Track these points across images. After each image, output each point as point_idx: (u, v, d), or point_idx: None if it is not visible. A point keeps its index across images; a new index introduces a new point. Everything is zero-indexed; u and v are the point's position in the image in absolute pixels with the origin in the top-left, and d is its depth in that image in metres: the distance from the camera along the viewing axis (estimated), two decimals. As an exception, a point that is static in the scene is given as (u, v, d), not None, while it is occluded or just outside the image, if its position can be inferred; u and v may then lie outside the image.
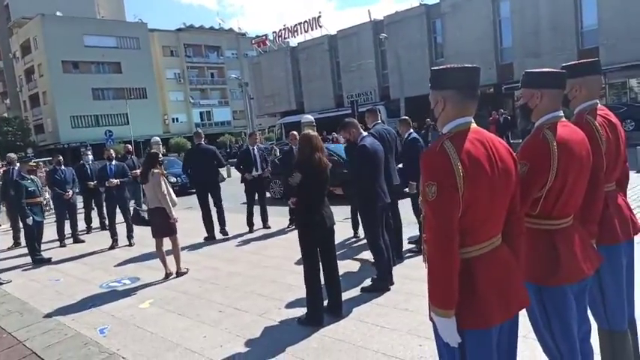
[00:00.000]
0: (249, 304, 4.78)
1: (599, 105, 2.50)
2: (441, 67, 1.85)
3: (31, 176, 7.89)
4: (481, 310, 1.75)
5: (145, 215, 6.30)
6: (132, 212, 7.52)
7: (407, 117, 6.87)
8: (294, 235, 7.57)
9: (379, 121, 5.96)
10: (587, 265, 2.16)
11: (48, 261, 7.57)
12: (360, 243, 6.68)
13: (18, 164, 9.11)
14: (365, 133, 5.11)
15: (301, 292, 4.90)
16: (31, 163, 8.25)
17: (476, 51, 27.17)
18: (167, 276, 5.98)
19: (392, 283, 4.80)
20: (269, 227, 8.45)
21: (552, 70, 2.21)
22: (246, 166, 8.50)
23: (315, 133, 4.39)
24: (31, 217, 7.47)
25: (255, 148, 8.68)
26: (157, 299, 5.22)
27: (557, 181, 2.07)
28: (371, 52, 33.65)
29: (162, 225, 5.97)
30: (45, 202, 8.40)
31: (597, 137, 2.31)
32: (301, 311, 4.40)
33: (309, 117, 24.79)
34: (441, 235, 1.70)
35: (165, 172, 6.36)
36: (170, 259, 6.11)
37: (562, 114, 2.19)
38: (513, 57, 26.48)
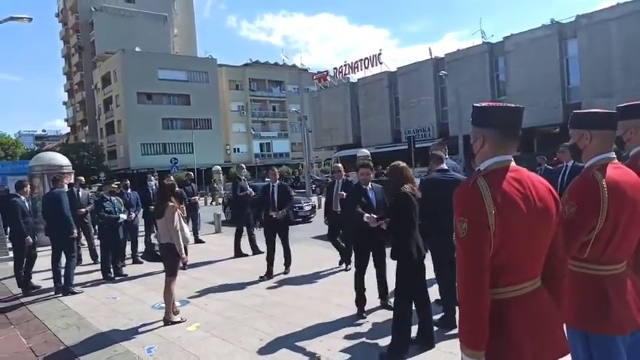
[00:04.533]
0: (291, 334, 4.78)
1: (657, 148, 2.38)
2: (483, 104, 1.85)
3: (112, 197, 8.40)
4: (512, 353, 1.67)
5: (158, 251, 5.85)
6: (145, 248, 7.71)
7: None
8: (340, 269, 7.55)
9: (447, 157, 5.92)
10: (641, 316, 2.02)
11: (112, 279, 7.98)
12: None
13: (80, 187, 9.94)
14: (447, 157, 5.25)
15: (344, 326, 4.88)
16: (112, 186, 8.82)
17: (540, 89, 26.47)
18: (165, 322, 5.39)
19: None
20: (287, 272, 7.52)
21: (602, 110, 2.15)
22: (266, 204, 7.69)
23: (405, 164, 4.44)
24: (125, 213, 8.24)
25: (275, 185, 7.76)
26: (204, 323, 5.33)
27: (608, 224, 1.97)
28: (430, 88, 33.60)
29: (167, 262, 5.58)
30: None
31: (654, 181, 2.19)
32: (343, 344, 4.36)
33: (365, 151, 25.05)
34: (471, 272, 1.66)
35: (182, 205, 5.88)
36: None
37: (614, 155, 2.10)
38: (581, 97, 25.47)
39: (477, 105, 1.85)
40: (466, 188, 1.73)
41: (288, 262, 7.64)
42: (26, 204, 7.66)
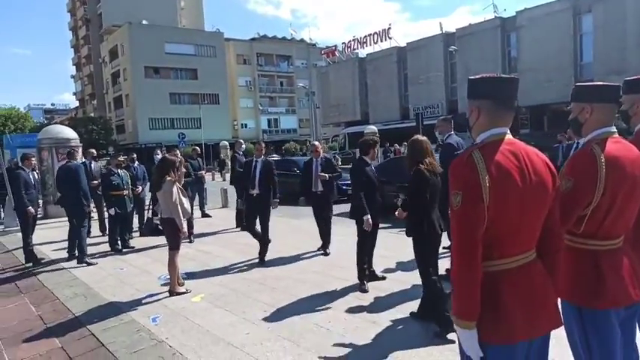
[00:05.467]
0: (293, 306, 4.86)
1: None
2: (477, 76, 1.83)
3: (119, 170, 8.48)
4: (504, 325, 1.69)
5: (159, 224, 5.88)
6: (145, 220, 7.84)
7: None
8: (342, 244, 7.59)
9: (452, 132, 5.85)
10: (635, 290, 2.03)
11: (120, 251, 8.10)
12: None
13: (92, 160, 10.01)
14: (452, 132, 5.24)
15: (347, 300, 4.94)
16: (119, 159, 8.89)
17: (553, 66, 26.00)
18: (170, 293, 5.46)
19: None
20: (262, 262, 6.79)
21: (604, 83, 2.11)
22: (246, 181, 7.13)
23: (425, 138, 4.33)
24: (113, 209, 8.08)
25: (259, 160, 7.13)
26: (208, 294, 5.43)
27: (605, 199, 1.96)
28: (440, 64, 33.11)
29: (168, 236, 5.64)
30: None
31: (656, 157, 2.16)
32: (344, 316, 4.42)
33: (373, 127, 24.94)
34: (464, 244, 1.67)
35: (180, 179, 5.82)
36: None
37: (614, 130, 2.07)
38: (594, 74, 24.98)
39: (472, 77, 1.84)
40: (461, 161, 1.72)
41: (265, 248, 6.90)
42: (30, 176, 7.74)
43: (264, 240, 6.90)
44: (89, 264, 7.19)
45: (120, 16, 56.65)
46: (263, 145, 7.53)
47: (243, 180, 7.34)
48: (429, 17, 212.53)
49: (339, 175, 7.65)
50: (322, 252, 7.24)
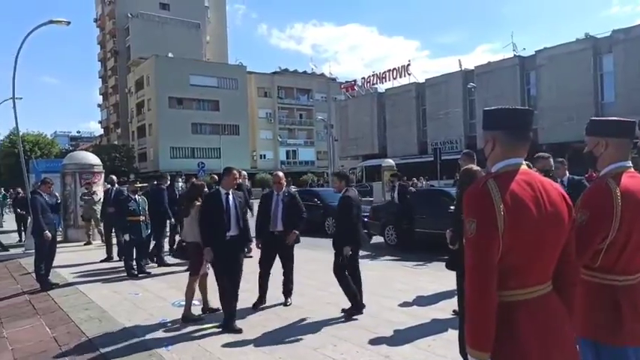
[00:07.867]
0: (306, 336, 4.81)
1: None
2: (492, 108, 1.87)
3: (135, 196, 8.62)
4: (519, 357, 1.67)
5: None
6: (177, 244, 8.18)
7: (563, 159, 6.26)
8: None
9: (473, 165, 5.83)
10: (655, 328, 1.98)
11: (136, 277, 8.15)
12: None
13: (116, 185, 10.15)
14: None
15: (361, 331, 4.88)
16: (136, 185, 9.05)
17: (573, 105, 25.94)
18: (184, 319, 5.39)
19: None
20: (239, 331, 5.02)
21: (619, 118, 2.13)
22: (217, 221, 5.17)
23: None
24: (127, 234, 8.18)
25: (230, 192, 5.34)
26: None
27: (621, 233, 1.95)
28: (459, 101, 33.34)
29: (191, 261, 5.70)
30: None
31: (674, 192, 2.15)
32: (356, 350, 4.36)
33: (390, 161, 25.03)
34: (478, 272, 1.67)
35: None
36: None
37: (630, 164, 2.08)
38: (615, 113, 24.72)
39: (487, 109, 1.88)
40: (476, 189, 1.74)
41: (225, 303, 5.23)
42: (47, 200, 7.87)
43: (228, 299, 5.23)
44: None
45: (147, 49, 58.79)
46: (236, 173, 5.60)
47: (209, 220, 5.25)
48: (449, 55, 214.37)
49: (305, 216, 6.29)
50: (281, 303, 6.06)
